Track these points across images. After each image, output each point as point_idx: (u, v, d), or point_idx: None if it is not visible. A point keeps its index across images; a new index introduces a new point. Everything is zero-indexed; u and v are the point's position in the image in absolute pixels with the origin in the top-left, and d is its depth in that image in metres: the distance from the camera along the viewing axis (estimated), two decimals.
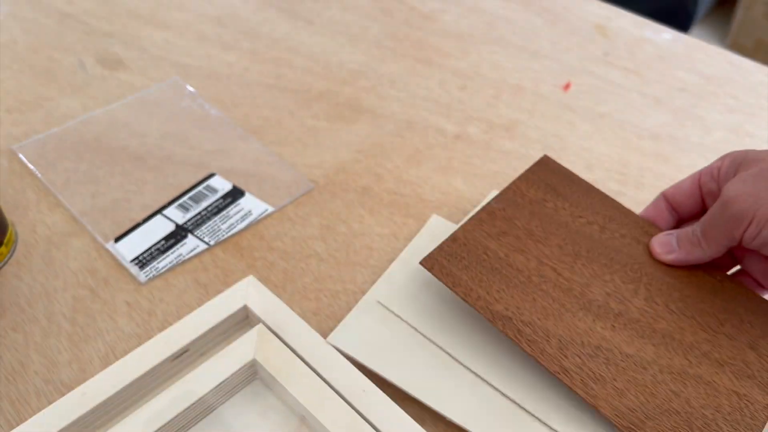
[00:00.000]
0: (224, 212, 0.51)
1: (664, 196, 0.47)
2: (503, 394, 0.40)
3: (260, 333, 0.39)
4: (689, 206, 0.46)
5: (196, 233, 0.49)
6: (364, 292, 0.45)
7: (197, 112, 0.59)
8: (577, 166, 0.57)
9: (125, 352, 0.41)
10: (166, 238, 0.48)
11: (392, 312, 0.43)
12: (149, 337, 0.42)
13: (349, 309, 0.44)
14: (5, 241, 0.46)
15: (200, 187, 0.52)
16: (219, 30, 0.70)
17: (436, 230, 0.49)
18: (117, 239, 0.48)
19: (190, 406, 0.36)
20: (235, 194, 0.52)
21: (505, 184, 0.54)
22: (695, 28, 2.09)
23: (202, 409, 0.37)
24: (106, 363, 0.41)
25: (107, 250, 0.47)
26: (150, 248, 0.48)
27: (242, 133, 0.57)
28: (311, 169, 0.55)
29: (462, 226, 0.44)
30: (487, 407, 0.39)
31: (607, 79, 0.68)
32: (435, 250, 0.43)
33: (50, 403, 0.39)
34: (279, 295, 0.46)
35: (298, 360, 0.38)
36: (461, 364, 0.41)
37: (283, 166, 0.55)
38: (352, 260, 0.48)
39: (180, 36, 0.69)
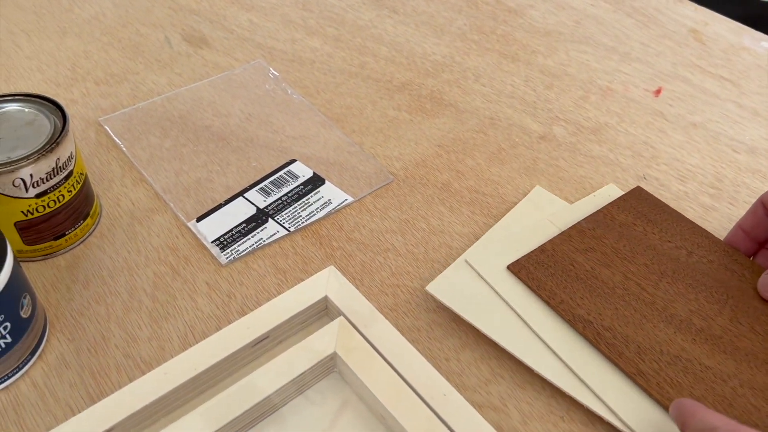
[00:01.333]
0: (304, 199, 0.50)
1: (762, 203, 0.45)
2: (582, 380, 0.39)
3: (341, 326, 0.39)
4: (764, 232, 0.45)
5: (276, 218, 0.49)
6: (439, 275, 0.44)
7: (280, 96, 0.59)
8: (668, 177, 0.54)
9: (203, 333, 0.42)
10: (247, 222, 0.48)
11: (481, 277, 0.44)
12: (228, 320, 0.42)
13: (427, 306, 0.43)
14: (91, 212, 0.47)
15: (281, 172, 0.52)
16: (304, 14, 0.70)
17: (539, 201, 0.51)
18: (199, 219, 0.48)
19: (269, 396, 0.36)
20: (316, 182, 0.52)
21: (592, 190, 0.52)
22: None
23: (280, 398, 0.37)
24: (184, 342, 0.41)
25: (189, 229, 0.48)
26: (231, 230, 0.48)
27: (324, 120, 0.57)
28: (391, 161, 0.54)
29: (550, 240, 0.46)
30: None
31: (702, 86, 0.64)
32: (523, 257, 0.44)
33: (130, 377, 0.39)
34: (356, 288, 0.45)
35: (378, 357, 0.38)
36: (544, 342, 0.41)
37: (364, 156, 0.54)
38: (431, 257, 0.47)
39: (265, 18, 0.69)
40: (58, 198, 0.43)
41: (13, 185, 0.40)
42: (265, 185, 0.51)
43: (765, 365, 0.40)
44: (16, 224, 0.42)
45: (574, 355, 0.40)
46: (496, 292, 0.43)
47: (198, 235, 0.47)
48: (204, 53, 0.64)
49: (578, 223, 0.47)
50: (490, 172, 0.54)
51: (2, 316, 0.35)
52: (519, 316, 0.42)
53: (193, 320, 0.42)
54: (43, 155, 0.40)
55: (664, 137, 0.58)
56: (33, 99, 0.44)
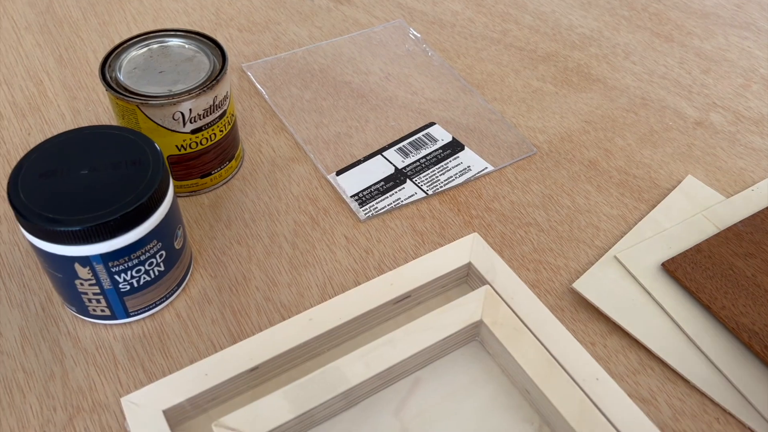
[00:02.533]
0: (443, 163, 0.49)
1: None
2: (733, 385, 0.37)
3: (488, 295, 0.37)
4: None
5: (414, 180, 0.47)
6: (585, 272, 0.42)
7: (420, 57, 0.58)
8: None
9: (341, 285, 0.41)
10: (386, 180, 0.47)
11: (632, 275, 0.41)
12: (365, 274, 0.42)
13: (570, 287, 0.41)
14: (236, 155, 0.47)
15: (420, 134, 0.51)
16: None
17: (692, 192, 0.47)
18: (338, 173, 0.47)
19: (412, 356, 0.35)
20: (455, 147, 0.50)
21: (750, 184, 0.48)
22: None
23: (421, 359, 0.36)
24: (323, 292, 0.41)
25: (328, 182, 0.47)
26: (370, 187, 0.47)
27: (464, 85, 0.55)
28: (534, 132, 0.52)
29: (707, 240, 0.43)
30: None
31: None
32: (679, 255, 0.42)
33: (270, 320, 0.39)
34: None
35: (527, 330, 0.36)
36: (699, 350, 0.38)
37: (505, 125, 0.52)
38: (576, 237, 0.45)
39: None
40: (210, 136, 0.43)
41: (173, 118, 0.41)
42: (403, 146, 0.50)
43: None
44: (168, 158, 0.43)
45: (733, 366, 0.37)
46: (648, 292, 0.40)
47: (338, 189, 0.46)
48: (344, 9, 0.63)
49: (735, 225, 0.44)
50: (641, 154, 0.50)
51: (159, 244, 0.36)
52: (672, 319, 0.39)
53: (331, 271, 0.42)
54: (203, 91, 0.41)
55: None
56: (194, 36, 0.44)
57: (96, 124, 0.50)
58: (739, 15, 0.65)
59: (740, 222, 0.44)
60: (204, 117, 0.42)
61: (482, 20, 0.62)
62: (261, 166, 0.48)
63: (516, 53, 0.59)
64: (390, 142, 0.50)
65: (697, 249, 0.42)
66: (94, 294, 0.36)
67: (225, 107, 0.43)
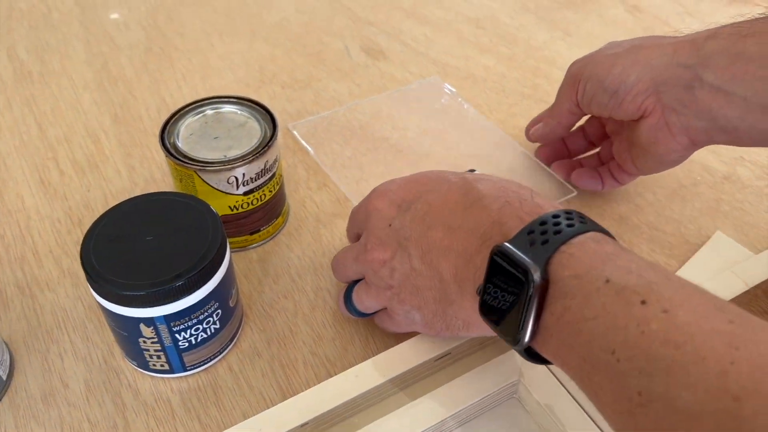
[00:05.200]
0: None
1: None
2: None
3: None
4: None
5: None
6: None
7: (455, 112, 0.60)
8: None
9: (383, 340, 0.43)
10: None
11: None
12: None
13: None
14: (282, 211, 0.49)
15: None
16: (477, 32, 0.70)
17: (721, 248, 0.49)
18: None
19: (452, 414, 0.37)
20: None
21: None
22: None
23: (460, 418, 0.38)
24: (366, 347, 0.43)
25: None
26: None
27: (501, 138, 0.57)
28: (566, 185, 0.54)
29: (735, 298, 0.43)
30: None
31: None
32: None
33: (316, 374, 0.41)
34: None
35: (563, 389, 0.38)
36: None
37: (542, 171, 0.54)
38: None
39: (439, 33, 0.70)
40: (260, 197, 0.46)
41: (227, 182, 0.44)
42: None
43: None
44: (221, 217, 0.46)
45: None
46: None
47: None
48: (381, 65, 0.66)
49: (764, 282, 0.45)
50: (671, 209, 0.52)
51: (217, 303, 0.38)
52: None
53: (372, 326, 0.44)
54: (256, 157, 0.43)
55: None
56: (245, 102, 0.47)
57: (149, 180, 0.54)
58: None
59: None
60: (256, 180, 0.45)
61: (514, 75, 0.65)
62: (306, 221, 0.51)
63: (547, 107, 0.61)
64: None
65: None
66: (156, 350, 0.38)
67: (275, 170, 0.46)
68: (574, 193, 0.52)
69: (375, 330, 0.44)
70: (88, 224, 0.43)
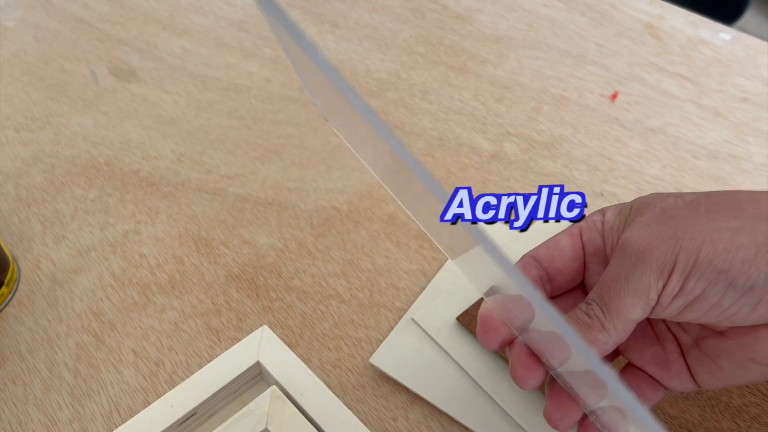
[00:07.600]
0: None
1: (535, 259, 0.32)
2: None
3: (273, 397, 0.36)
4: (569, 273, 0.32)
5: None
6: (383, 342, 0.41)
7: (216, 131, 0.56)
8: (626, 191, 0.52)
9: (130, 410, 0.38)
10: None
11: (427, 334, 0.41)
12: (156, 392, 0.39)
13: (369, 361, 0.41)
14: (6, 280, 0.43)
15: None
16: (240, 35, 0.66)
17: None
18: None
19: None
20: None
21: None
22: (748, 16, 1.98)
23: None
24: (109, 422, 0.38)
25: (114, 289, 0.44)
26: None
27: (261, 154, 0.54)
28: (334, 194, 0.51)
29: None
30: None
31: (660, 87, 0.62)
32: (472, 307, 0.41)
33: None
34: (297, 343, 0.42)
35: (313, 429, 0.35)
36: (484, 390, 0.38)
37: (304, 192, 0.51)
38: (377, 301, 0.44)
39: (197, 42, 0.65)
40: None
41: None
42: None
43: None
44: None
45: (533, 419, 0.37)
46: (446, 352, 0.40)
47: (124, 295, 0.44)
48: (132, 87, 0.60)
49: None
50: None
51: None
52: (470, 377, 0.39)
53: (118, 395, 0.39)
54: None
55: (622, 147, 0.56)
56: None
57: None
58: (531, 35, 0.67)
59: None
60: None
61: (279, 79, 0.61)
62: (39, 285, 0.45)
63: (314, 110, 0.58)
64: None
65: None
66: None
67: None
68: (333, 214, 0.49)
69: (121, 400, 0.39)
70: None
